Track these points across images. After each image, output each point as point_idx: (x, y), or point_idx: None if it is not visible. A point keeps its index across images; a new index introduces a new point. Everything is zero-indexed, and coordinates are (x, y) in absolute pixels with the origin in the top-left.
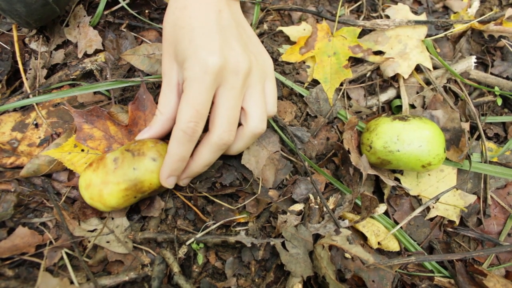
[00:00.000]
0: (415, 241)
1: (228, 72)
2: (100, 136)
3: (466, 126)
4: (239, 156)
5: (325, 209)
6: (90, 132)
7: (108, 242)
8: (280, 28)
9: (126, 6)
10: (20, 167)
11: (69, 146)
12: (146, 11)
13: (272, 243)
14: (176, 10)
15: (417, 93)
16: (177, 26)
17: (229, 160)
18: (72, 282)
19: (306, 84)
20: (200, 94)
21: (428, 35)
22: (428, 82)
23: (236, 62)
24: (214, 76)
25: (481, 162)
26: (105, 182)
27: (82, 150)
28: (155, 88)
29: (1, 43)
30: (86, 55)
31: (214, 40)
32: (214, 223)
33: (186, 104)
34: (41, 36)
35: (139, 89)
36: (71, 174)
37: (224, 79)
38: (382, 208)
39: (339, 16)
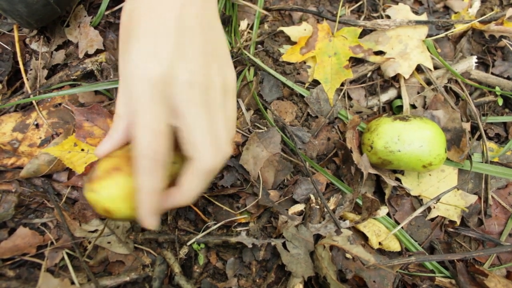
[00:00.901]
0: (416, 241)
1: (180, 83)
2: (100, 134)
3: (467, 126)
4: (239, 156)
5: (325, 209)
6: (90, 130)
7: (109, 242)
8: (280, 28)
9: None
10: (21, 168)
11: (69, 144)
12: None
13: (273, 243)
14: None
15: (418, 93)
16: (131, 17)
17: (230, 161)
18: (73, 283)
19: (306, 85)
20: (149, 110)
21: (428, 35)
22: (429, 82)
23: (190, 73)
24: (158, 87)
25: (482, 162)
26: None
27: (82, 150)
28: None
29: (2, 44)
30: (87, 55)
31: (162, 43)
32: (215, 224)
33: (138, 126)
34: (42, 36)
35: None
36: (71, 174)
37: (178, 91)
38: (383, 211)
39: (340, 16)
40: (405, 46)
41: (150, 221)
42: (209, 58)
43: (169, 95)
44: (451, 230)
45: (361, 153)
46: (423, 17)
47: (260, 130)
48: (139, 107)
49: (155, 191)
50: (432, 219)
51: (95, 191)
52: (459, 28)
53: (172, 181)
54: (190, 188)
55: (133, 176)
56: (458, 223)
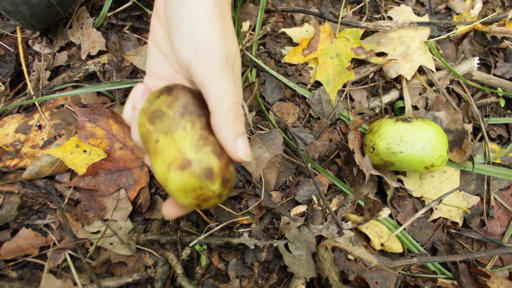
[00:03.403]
0: (418, 242)
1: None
2: (102, 134)
3: (469, 127)
4: None
5: (327, 210)
6: (93, 131)
7: (111, 243)
8: (282, 29)
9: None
10: (24, 169)
11: (71, 146)
12: (149, 13)
13: (275, 244)
14: None
15: (420, 94)
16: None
17: None
18: (75, 284)
19: (308, 86)
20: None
21: (430, 37)
22: (431, 84)
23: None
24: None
25: (484, 163)
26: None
27: (84, 151)
28: None
29: (5, 45)
30: (89, 57)
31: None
32: (217, 225)
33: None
34: (44, 38)
35: None
36: (73, 175)
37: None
38: (385, 212)
39: (342, 18)
40: (407, 47)
41: (248, 156)
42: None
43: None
44: (453, 231)
45: (363, 154)
46: (425, 18)
47: (262, 132)
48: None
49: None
50: (434, 221)
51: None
52: (461, 29)
53: None
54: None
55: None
56: (460, 224)
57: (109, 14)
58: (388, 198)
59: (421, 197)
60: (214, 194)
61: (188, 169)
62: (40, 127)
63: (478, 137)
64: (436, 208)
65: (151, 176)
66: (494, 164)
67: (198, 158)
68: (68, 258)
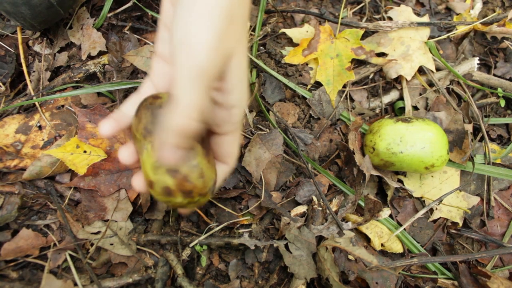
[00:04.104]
0: (418, 242)
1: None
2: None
3: (469, 127)
4: (241, 158)
5: (328, 211)
6: (93, 131)
7: (111, 244)
8: (283, 30)
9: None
10: (24, 170)
11: (71, 146)
12: (149, 13)
13: (275, 245)
14: None
15: (420, 94)
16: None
17: None
18: (76, 284)
19: (309, 86)
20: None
21: (430, 37)
22: (431, 84)
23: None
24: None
25: (484, 163)
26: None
27: (85, 152)
28: None
29: (5, 46)
30: (89, 57)
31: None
32: (218, 225)
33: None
34: (44, 38)
35: None
36: (74, 175)
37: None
38: (386, 212)
39: (342, 18)
40: (407, 47)
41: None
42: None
43: None
44: (454, 231)
45: (363, 154)
46: (425, 18)
47: (263, 132)
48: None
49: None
50: (435, 221)
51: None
52: (461, 29)
53: None
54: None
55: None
56: (461, 224)
57: (109, 15)
58: (388, 199)
59: (421, 197)
60: (183, 203)
61: (153, 189)
62: (40, 127)
63: (478, 137)
64: (436, 209)
65: None
66: (494, 164)
67: (156, 179)
68: (69, 259)
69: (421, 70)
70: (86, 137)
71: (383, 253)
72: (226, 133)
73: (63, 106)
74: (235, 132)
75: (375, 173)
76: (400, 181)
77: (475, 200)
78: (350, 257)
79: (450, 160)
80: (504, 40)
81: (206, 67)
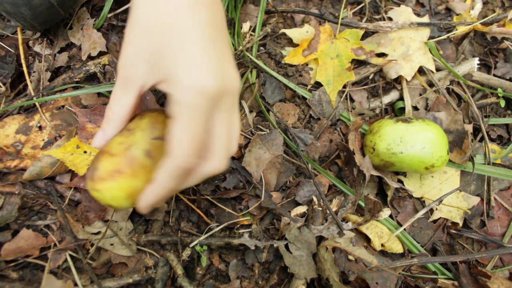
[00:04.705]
0: (418, 243)
1: (226, 94)
2: None
3: (469, 128)
4: (241, 158)
5: (328, 211)
6: (93, 131)
7: (112, 244)
8: (283, 30)
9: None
10: (24, 170)
11: (72, 146)
12: None
13: (275, 245)
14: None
15: (420, 95)
16: (159, 21)
17: (232, 163)
18: (76, 284)
19: (309, 87)
20: (199, 124)
21: (430, 37)
22: (431, 84)
23: (234, 83)
24: (212, 101)
25: (484, 164)
26: (148, 180)
27: (85, 152)
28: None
29: (6, 46)
30: (90, 58)
31: (210, 53)
32: (218, 226)
33: (185, 135)
34: (45, 39)
35: None
36: (74, 176)
37: (220, 101)
38: (386, 212)
39: (342, 18)
40: (407, 48)
41: (147, 210)
42: (231, 65)
43: (216, 105)
44: (454, 231)
45: (363, 155)
46: (425, 19)
47: (263, 132)
48: (191, 115)
49: (170, 192)
50: (435, 221)
51: (99, 191)
52: (461, 30)
53: None
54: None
55: (154, 174)
56: (461, 224)
57: (109, 15)
58: (389, 199)
59: (421, 197)
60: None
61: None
62: (40, 128)
63: (478, 138)
64: (437, 209)
65: None
66: (494, 164)
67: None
68: (69, 259)
69: (421, 71)
70: (86, 138)
71: (383, 253)
72: (172, 116)
73: (63, 106)
74: (183, 117)
75: (375, 173)
76: (400, 181)
77: (475, 200)
78: (350, 257)
79: (450, 161)
80: (504, 41)
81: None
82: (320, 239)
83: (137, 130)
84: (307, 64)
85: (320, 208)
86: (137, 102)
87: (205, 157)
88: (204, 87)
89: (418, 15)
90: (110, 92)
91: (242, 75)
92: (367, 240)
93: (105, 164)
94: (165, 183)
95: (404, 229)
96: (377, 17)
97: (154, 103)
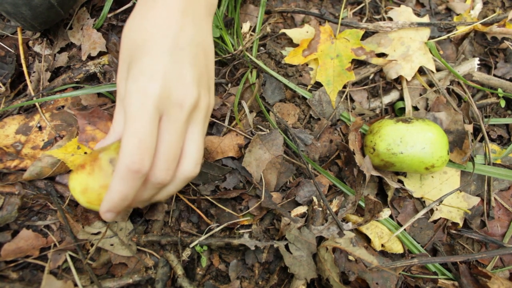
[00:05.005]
0: (418, 243)
1: (171, 103)
2: (102, 137)
3: (469, 128)
4: (242, 159)
5: (328, 211)
6: (93, 134)
7: (111, 244)
8: (283, 30)
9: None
10: (24, 170)
11: (72, 147)
12: None
13: (275, 245)
14: (138, 16)
15: (420, 95)
16: (133, 36)
17: (232, 163)
18: (76, 285)
19: (309, 87)
20: (143, 125)
21: (431, 37)
22: (431, 84)
23: (183, 94)
24: (154, 106)
25: (484, 164)
26: (104, 186)
27: (85, 153)
28: None
29: (6, 46)
30: (89, 58)
31: (160, 63)
32: (218, 226)
33: (129, 135)
34: (45, 39)
35: None
36: None
37: (166, 109)
38: (386, 213)
39: (342, 19)
40: (407, 48)
41: (107, 215)
42: (201, 79)
43: (161, 112)
44: (454, 232)
45: (363, 155)
46: (425, 19)
47: (263, 132)
48: (134, 116)
49: (123, 198)
50: (435, 221)
51: (69, 180)
52: (461, 30)
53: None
54: (169, 191)
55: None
56: (461, 225)
57: (109, 15)
58: (389, 199)
59: (421, 197)
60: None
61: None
62: (40, 128)
63: (478, 138)
64: (437, 209)
65: None
66: (494, 164)
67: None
68: (69, 259)
69: (421, 71)
70: (86, 140)
71: (384, 253)
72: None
73: (63, 106)
74: (129, 121)
75: (375, 173)
76: (400, 181)
77: (475, 200)
78: (351, 257)
79: (450, 161)
80: (504, 41)
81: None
82: (320, 239)
83: (118, 141)
84: (307, 64)
85: (320, 209)
86: None
87: (153, 165)
88: (145, 92)
89: (418, 15)
90: (110, 92)
91: (242, 75)
92: (367, 240)
93: (80, 158)
94: (117, 187)
95: (404, 229)
96: (377, 17)
97: None
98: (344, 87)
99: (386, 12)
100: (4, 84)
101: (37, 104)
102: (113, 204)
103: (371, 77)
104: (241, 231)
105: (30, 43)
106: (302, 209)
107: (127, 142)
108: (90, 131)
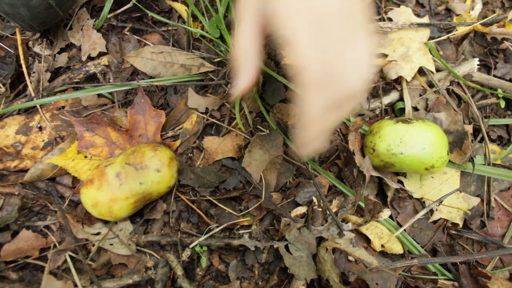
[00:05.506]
0: (418, 243)
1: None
2: (101, 143)
3: (469, 128)
4: (241, 159)
5: (328, 212)
6: (92, 140)
7: (111, 245)
8: None
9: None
10: (24, 170)
11: (73, 152)
12: (149, 14)
13: (275, 246)
14: None
15: (420, 95)
16: None
17: (232, 164)
18: (76, 285)
19: None
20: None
21: (430, 38)
22: (431, 85)
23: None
24: (322, 19)
25: (484, 164)
26: (113, 199)
27: (86, 157)
28: (158, 91)
29: (5, 47)
30: (89, 58)
31: None
32: (218, 226)
33: (309, 47)
34: (44, 39)
35: (138, 93)
36: (75, 178)
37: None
38: (386, 213)
39: None
40: (407, 48)
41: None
42: None
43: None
44: (454, 232)
45: (363, 155)
46: (425, 19)
47: (263, 133)
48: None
49: (323, 113)
50: (435, 222)
51: (80, 195)
52: (461, 30)
53: (143, 203)
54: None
55: None
56: (461, 225)
57: (109, 16)
58: (389, 199)
59: (421, 198)
60: None
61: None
62: (40, 128)
63: (478, 138)
64: (437, 209)
65: None
66: (494, 165)
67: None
68: (69, 260)
69: (421, 71)
70: (86, 147)
71: (383, 254)
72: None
73: (63, 107)
74: (301, 34)
75: (375, 174)
76: (400, 182)
77: (475, 201)
78: (350, 258)
79: (450, 161)
80: (504, 41)
81: None
82: (320, 239)
83: (122, 154)
84: None
85: (320, 209)
86: (259, 33)
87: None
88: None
89: (418, 15)
90: (110, 93)
91: None
92: (367, 241)
93: (88, 173)
94: (312, 101)
95: (404, 229)
96: (377, 17)
97: (150, 106)
98: None
99: (386, 12)
100: (4, 85)
101: (37, 104)
102: (315, 128)
103: (371, 78)
104: (241, 231)
105: (30, 43)
106: (302, 210)
107: (305, 54)
108: (88, 138)
